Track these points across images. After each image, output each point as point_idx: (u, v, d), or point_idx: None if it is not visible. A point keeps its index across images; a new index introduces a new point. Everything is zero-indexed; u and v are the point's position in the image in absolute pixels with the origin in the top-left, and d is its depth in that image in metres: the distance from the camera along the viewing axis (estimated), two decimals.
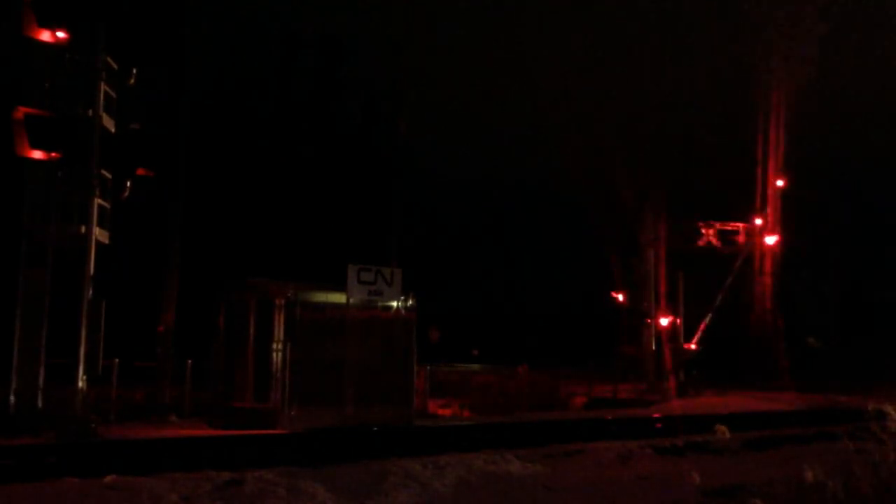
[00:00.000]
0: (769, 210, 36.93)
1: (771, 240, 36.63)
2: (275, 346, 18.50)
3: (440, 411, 23.38)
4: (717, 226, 35.96)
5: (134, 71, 17.70)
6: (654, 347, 33.96)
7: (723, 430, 16.17)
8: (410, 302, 19.96)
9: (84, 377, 16.52)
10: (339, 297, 19.07)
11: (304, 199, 39.56)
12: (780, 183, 37.31)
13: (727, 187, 36.83)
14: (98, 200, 17.16)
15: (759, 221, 36.67)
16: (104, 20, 17.07)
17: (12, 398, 16.68)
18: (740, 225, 36.57)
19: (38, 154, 16.57)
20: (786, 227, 37.33)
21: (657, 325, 33.88)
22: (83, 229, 16.92)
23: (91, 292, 16.85)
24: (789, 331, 37.84)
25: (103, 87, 17.19)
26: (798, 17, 36.85)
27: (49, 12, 16.60)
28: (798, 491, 8.66)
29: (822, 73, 36.57)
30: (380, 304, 19.65)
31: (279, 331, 18.52)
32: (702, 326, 35.30)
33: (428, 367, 22.38)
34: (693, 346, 34.70)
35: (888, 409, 10.09)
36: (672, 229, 34.91)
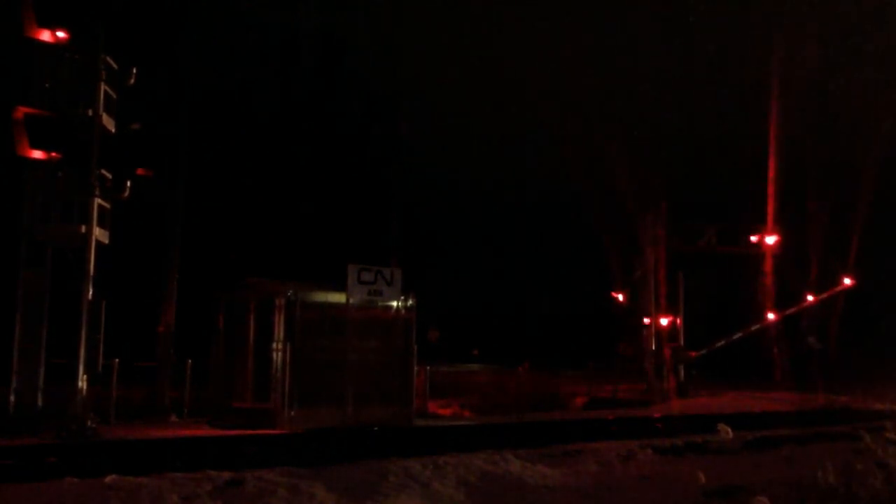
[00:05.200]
0: (771, 210, 36.71)
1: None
2: (275, 346, 18.48)
3: (440, 411, 23.34)
4: (718, 226, 35.85)
5: (134, 71, 17.67)
6: (653, 347, 33.94)
7: (725, 430, 16.15)
8: (410, 302, 19.95)
9: (84, 377, 16.50)
10: (339, 297, 19.06)
11: (304, 199, 39.57)
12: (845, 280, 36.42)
13: (728, 187, 36.83)
14: (98, 200, 17.14)
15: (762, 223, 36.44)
16: (104, 20, 17.05)
17: (12, 398, 16.66)
18: (741, 226, 36.45)
19: (38, 154, 16.54)
20: (787, 227, 37.23)
21: (657, 325, 33.84)
22: (83, 229, 16.90)
23: (91, 292, 16.83)
24: (790, 331, 37.83)
25: (103, 87, 17.17)
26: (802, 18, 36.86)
27: (49, 12, 16.57)
28: (799, 491, 8.66)
29: (825, 71, 36.60)
30: (380, 303, 19.64)
31: (279, 331, 18.50)
32: (713, 346, 35.27)
33: (428, 367, 22.34)
34: (693, 353, 34.73)
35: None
36: (672, 229, 34.85)
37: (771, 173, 36.30)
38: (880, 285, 42.80)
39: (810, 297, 36.51)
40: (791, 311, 36.59)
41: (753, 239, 34.96)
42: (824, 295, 36.75)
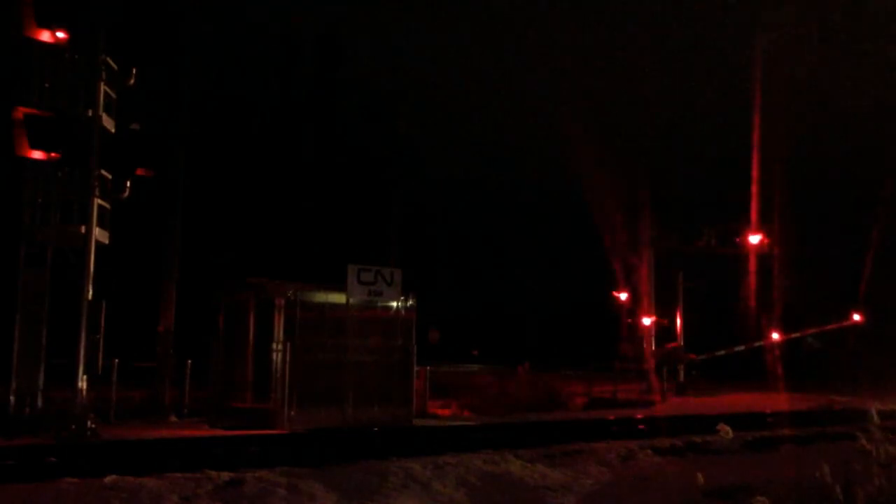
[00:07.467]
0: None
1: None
2: (275, 346, 18.47)
3: (440, 411, 23.33)
4: (718, 227, 35.86)
5: (134, 71, 17.66)
6: (653, 348, 33.95)
7: (725, 430, 16.09)
8: (410, 302, 19.95)
9: (84, 377, 16.48)
10: (339, 297, 19.06)
11: (304, 199, 39.59)
12: None
13: (730, 189, 36.85)
14: (98, 200, 17.12)
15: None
16: (104, 20, 17.03)
17: (12, 398, 16.66)
18: (739, 226, 36.44)
19: (38, 154, 16.53)
20: (785, 227, 37.27)
21: (656, 325, 33.88)
22: (83, 229, 16.89)
23: (91, 292, 16.82)
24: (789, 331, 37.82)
25: (103, 87, 17.15)
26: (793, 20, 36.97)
27: (49, 12, 16.55)
28: (799, 491, 8.65)
29: (819, 74, 36.70)
30: (380, 304, 19.64)
31: (279, 331, 18.50)
32: (713, 353, 35.31)
33: (428, 368, 22.35)
34: (693, 356, 34.78)
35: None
36: (672, 230, 34.89)
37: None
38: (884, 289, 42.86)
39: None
40: (795, 335, 36.72)
41: (755, 240, 35.00)
42: (828, 327, 36.92)
